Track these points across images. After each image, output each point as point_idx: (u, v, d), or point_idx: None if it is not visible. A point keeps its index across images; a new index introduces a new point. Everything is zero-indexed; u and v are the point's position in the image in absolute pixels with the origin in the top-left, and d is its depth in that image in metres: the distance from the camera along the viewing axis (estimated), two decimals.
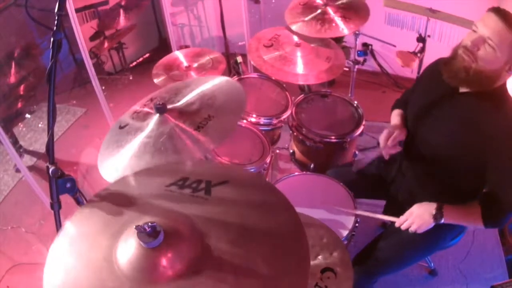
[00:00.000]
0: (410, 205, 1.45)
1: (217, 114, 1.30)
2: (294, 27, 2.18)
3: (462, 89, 1.37)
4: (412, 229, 1.41)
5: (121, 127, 1.40)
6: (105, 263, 0.78)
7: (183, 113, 1.34)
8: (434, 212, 1.37)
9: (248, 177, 0.99)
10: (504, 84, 1.34)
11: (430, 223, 1.39)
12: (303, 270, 0.78)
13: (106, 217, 0.89)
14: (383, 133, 1.55)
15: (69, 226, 0.89)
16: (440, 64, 1.41)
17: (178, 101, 1.41)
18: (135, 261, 0.76)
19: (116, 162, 1.26)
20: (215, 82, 1.47)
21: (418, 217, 1.40)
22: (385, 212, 1.82)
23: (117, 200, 0.94)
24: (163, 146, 1.24)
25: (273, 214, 0.87)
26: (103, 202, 0.94)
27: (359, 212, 1.59)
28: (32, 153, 3.10)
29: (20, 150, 3.06)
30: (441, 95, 1.43)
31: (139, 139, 1.30)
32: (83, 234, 0.87)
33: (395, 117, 1.67)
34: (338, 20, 2.15)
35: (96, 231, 0.86)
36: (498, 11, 1.23)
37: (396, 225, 1.47)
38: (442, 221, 1.37)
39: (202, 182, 0.95)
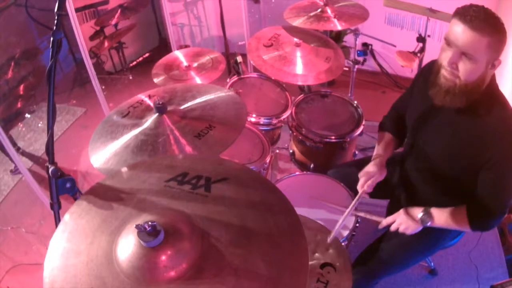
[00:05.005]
0: (412, 206, 1.45)
1: (218, 126, 1.30)
2: (294, 23, 2.20)
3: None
4: (400, 230, 1.43)
5: (115, 119, 1.39)
6: (105, 261, 0.78)
7: (183, 118, 1.33)
8: (420, 215, 1.39)
9: (247, 174, 0.98)
10: (493, 80, 1.29)
11: (417, 227, 1.40)
12: (303, 269, 0.78)
13: (105, 212, 0.89)
14: (361, 178, 1.56)
15: (67, 221, 0.89)
16: (429, 79, 1.37)
17: (179, 104, 1.41)
18: (134, 260, 0.76)
19: (109, 153, 1.26)
20: (218, 93, 1.46)
21: (405, 220, 1.42)
22: (389, 212, 1.81)
23: (115, 194, 0.93)
24: (162, 147, 1.23)
25: (272, 213, 0.87)
26: (100, 197, 0.93)
27: (348, 210, 1.57)
28: (30, 156, 3.09)
29: (19, 151, 3.06)
30: (433, 106, 1.38)
31: (135, 135, 1.30)
32: (82, 230, 0.86)
33: (379, 146, 1.65)
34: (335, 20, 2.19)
35: (95, 227, 0.86)
36: (463, 17, 1.15)
37: (380, 226, 1.49)
38: (429, 224, 1.38)
39: (201, 178, 0.94)
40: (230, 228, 0.82)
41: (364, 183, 1.55)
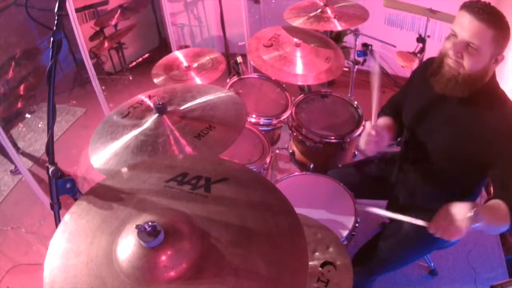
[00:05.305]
0: (411, 205, 1.44)
1: (218, 126, 1.30)
2: (294, 23, 2.20)
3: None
4: (445, 237, 1.27)
5: (115, 120, 1.39)
6: (105, 261, 0.78)
7: (183, 118, 1.33)
8: (470, 214, 1.19)
9: (247, 175, 0.98)
10: (494, 77, 1.32)
11: (463, 230, 1.21)
12: (303, 269, 0.78)
13: (105, 212, 0.89)
14: (367, 128, 1.49)
15: (67, 221, 0.89)
16: (428, 71, 1.38)
17: (178, 104, 1.41)
18: (134, 260, 0.76)
19: (109, 154, 1.26)
20: (218, 94, 1.46)
21: (447, 225, 1.24)
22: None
23: (115, 194, 0.93)
24: (162, 147, 1.23)
25: (272, 213, 0.87)
26: (100, 197, 0.93)
27: (389, 214, 1.48)
28: (30, 156, 3.09)
29: (19, 152, 3.06)
30: (433, 101, 1.41)
31: (135, 135, 1.30)
32: (82, 230, 0.86)
33: (380, 121, 1.65)
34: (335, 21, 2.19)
35: (95, 227, 0.86)
36: (471, 9, 1.19)
37: (430, 230, 1.32)
38: (479, 224, 1.19)
39: (201, 179, 0.94)
40: (230, 228, 0.82)
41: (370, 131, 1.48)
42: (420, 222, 1.34)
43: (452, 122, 1.37)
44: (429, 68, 1.37)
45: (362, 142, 1.52)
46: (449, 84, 1.29)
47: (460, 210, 1.23)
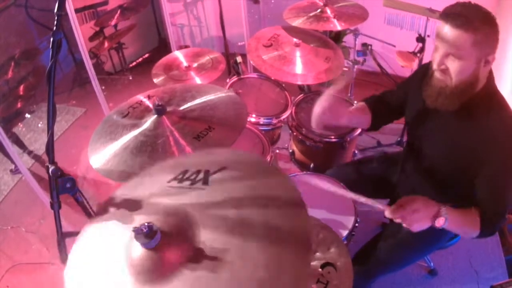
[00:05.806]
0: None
1: (217, 127, 1.29)
2: (293, 23, 2.21)
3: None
4: (404, 224, 1.24)
5: (115, 120, 1.39)
6: (119, 269, 0.78)
7: (182, 119, 1.33)
8: (436, 213, 1.23)
9: (246, 160, 0.96)
10: (491, 81, 1.27)
11: (426, 224, 1.24)
12: (303, 263, 0.75)
13: (119, 226, 0.88)
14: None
15: (85, 235, 0.89)
16: (423, 79, 1.37)
17: (178, 104, 1.41)
18: (137, 263, 0.76)
19: (108, 154, 1.26)
20: (218, 93, 1.46)
21: (416, 212, 1.22)
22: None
23: (127, 206, 0.92)
24: (162, 148, 1.23)
25: (275, 197, 0.84)
26: (113, 212, 0.93)
27: (351, 195, 1.41)
28: (30, 156, 3.09)
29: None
30: (427, 110, 1.39)
31: (134, 136, 1.30)
32: (99, 243, 0.86)
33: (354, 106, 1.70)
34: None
35: (110, 239, 0.86)
36: (447, 17, 1.16)
37: (386, 214, 1.28)
38: (443, 224, 1.23)
39: (200, 173, 0.93)
40: (227, 218, 0.81)
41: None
42: (379, 205, 1.28)
43: (445, 131, 1.36)
44: (425, 74, 1.36)
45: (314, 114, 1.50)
46: (439, 98, 1.27)
47: (427, 204, 1.24)
